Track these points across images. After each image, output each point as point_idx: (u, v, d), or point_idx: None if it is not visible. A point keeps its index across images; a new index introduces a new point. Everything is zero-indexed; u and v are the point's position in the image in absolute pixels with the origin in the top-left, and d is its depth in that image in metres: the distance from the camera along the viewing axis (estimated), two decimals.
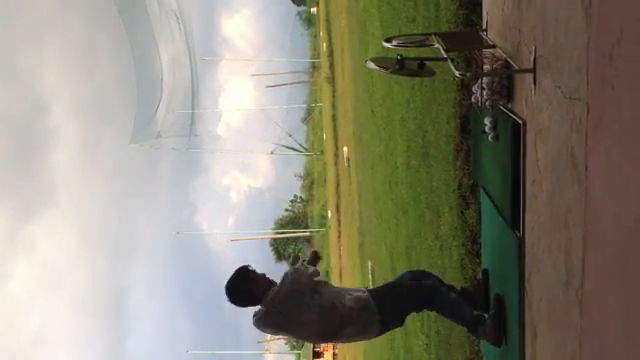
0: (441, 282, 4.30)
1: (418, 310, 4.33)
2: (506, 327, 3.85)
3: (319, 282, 4.10)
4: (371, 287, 4.35)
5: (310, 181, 46.69)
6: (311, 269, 4.12)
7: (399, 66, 3.76)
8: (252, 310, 4.12)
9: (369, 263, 13.02)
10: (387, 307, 4.06)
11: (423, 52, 4.60)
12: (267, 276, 4.11)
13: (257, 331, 4.17)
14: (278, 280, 4.09)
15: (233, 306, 4.08)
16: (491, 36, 4.14)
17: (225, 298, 4.05)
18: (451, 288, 4.31)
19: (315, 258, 4.43)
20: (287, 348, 42.31)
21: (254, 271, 4.09)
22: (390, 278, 9.31)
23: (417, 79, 6.83)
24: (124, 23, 28.28)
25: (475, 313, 4.08)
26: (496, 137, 3.88)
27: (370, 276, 12.12)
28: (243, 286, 4.02)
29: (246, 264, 4.13)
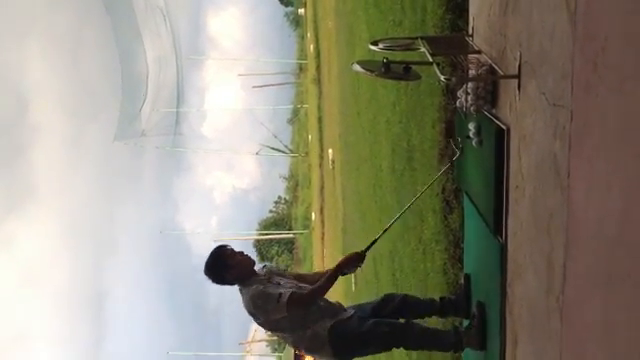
0: (418, 300, 4.29)
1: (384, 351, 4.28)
2: (487, 333, 3.86)
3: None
4: (340, 317, 4.07)
5: (295, 182, 46.62)
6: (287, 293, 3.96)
7: (385, 69, 3.75)
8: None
9: None
10: (348, 348, 4.04)
11: (409, 56, 4.59)
12: (245, 254, 4.17)
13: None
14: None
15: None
16: (477, 41, 4.14)
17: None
18: (431, 301, 4.31)
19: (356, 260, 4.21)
20: (268, 350, 42.21)
21: (232, 249, 4.17)
22: (373, 283, 9.26)
23: (403, 83, 6.83)
24: (110, 19, 28.12)
25: (451, 331, 4.09)
26: (480, 142, 3.88)
27: (353, 278, 12.12)
28: (219, 265, 4.09)
29: (222, 244, 4.22)
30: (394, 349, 4.15)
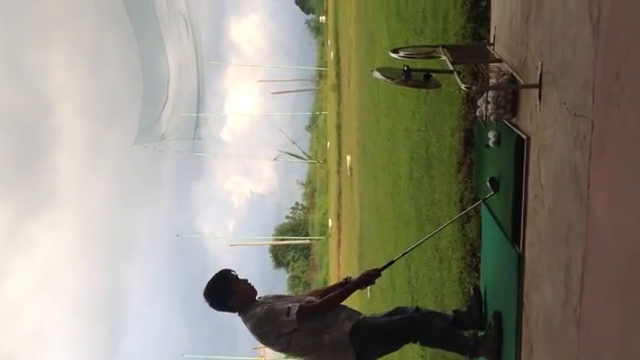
0: (431, 313, 4.25)
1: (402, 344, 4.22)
2: (503, 343, 3.83)
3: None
4: (357, 318, 4.07)
5: (312, 189, 46.65)
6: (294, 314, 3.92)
7: (405, 77, 3.77)
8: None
9: None
10: (368, 345, 4.00)
11: (430, 64, 4.60)
12: (249, 283, 4.10)
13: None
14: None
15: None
16: (498, 50, 4.14)
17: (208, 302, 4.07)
18: (443, 315, 4.26)
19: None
20: (282, 355, 42.19)
21: (236, 275, 4.10)
22: (388, 290, 9.23)
23: (423, 91, 6.83)
24: (132, 24, 28.38)
25: (470, 336, 4.05)
26: (499, 152, 3.87)
27: (368, 287, 12.10)
28: (222, 289, 4.03)
29: (228, 268, 4.13)
30: (409, 348, 4.10)
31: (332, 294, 4.11)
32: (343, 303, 4.15)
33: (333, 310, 4.03)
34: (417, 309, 4.25)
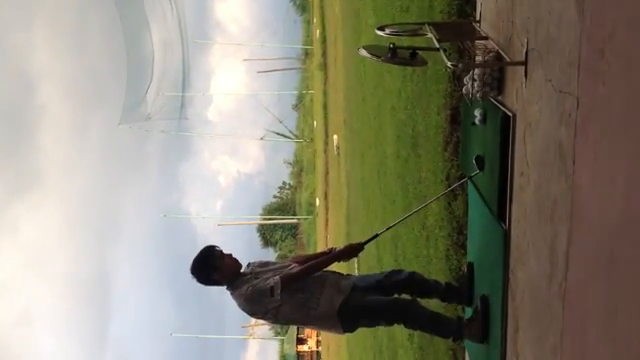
0: (424, 280, 4.31)
1: (387, 325, 4.28)
2: (489, 320, 3.87)
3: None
4: (344, 291, 4.08)
5: (299, 168, 46.64)
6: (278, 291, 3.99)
7: (391, 55, 3.75)
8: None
9: None
10: (354, 321, 4.10)
11: (416, 41, 4.58)
12: (233, 257, 4.16)
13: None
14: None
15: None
16: (484, 28, 4.13)
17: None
18: (436, 283, 4.33)
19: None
20: (271, 334, 42.46)
21: (221, 251, 4.15)
22: (376, 269, 9.30)
23: (409, 69, 6.81)
24: (115, 2, 28.02)
25: (454, 319, 4.11)
26: (485, 129, 3.88)
27: (356, 264, 12.17)
28: (207, 265, 4.09)
29: (212, 244, 4.19)
30: (397, 329, 4.18)
31: (312, 262, 4.18)
32: (331, 270, 4.21)
33: (316, 280, 4.08)
34: (412, 274, 4.31)
